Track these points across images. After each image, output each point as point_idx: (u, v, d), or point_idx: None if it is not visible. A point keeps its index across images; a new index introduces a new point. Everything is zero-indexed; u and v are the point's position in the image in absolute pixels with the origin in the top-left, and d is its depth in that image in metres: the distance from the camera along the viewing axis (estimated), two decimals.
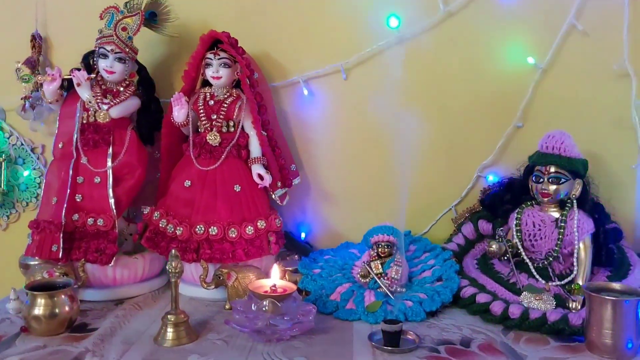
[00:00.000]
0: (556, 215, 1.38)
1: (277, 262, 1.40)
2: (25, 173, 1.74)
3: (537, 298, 1.29)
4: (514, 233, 1.41)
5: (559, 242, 1.36)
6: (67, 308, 1.22)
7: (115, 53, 1.47)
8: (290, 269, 1.47)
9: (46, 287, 1.24)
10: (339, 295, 1.37)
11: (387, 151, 1.60)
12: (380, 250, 1.42)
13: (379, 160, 1.62)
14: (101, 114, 1.47)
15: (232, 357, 1.12)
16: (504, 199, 1.47)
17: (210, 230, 1.41)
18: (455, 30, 1.57)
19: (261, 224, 1.45)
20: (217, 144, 1.47)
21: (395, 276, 1.36)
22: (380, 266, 1.39)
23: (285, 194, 1.56)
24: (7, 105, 1.71)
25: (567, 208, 1.38)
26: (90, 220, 1.42)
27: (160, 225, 1.46)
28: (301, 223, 1.68)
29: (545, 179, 1.38)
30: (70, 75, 1.47)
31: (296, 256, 1.55)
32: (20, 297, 1.32)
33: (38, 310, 1.20)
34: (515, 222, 1.41)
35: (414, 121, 1.52)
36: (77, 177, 1.45)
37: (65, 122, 1.50)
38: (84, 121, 1.48)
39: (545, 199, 1.38)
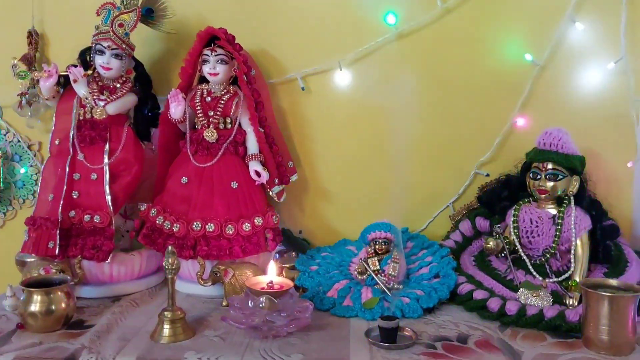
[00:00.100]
0: (553, 212, 1.39)
1: (274, 259, 1.40)
2: (22, 170, 1.74)
3: (534, 295, 1.29)
4: (511, 230, 1.41)
5: (556, 239, 1.36)
6: (63, 305, 1.22)
7: (112, 49, 1.47)
8: (287, 265, 1.47)
9: (42, 284, 1.24)
10: (336, 292, 1.37)
11: (384, 148, 1.60)
12: (377, 247, 1.42)
13: (376, 157, 1.62)
14: (98, 110, 1.47)
15: (229, 353, 1.11)
16: (501, 196, 1.47)
17: (207, 227, 1.41)
18: (453, 27, 1.57)
19: (258, 220, 1.44)
20: (214, 141, 1.47)
21: (393, 273, 1.36)
22: (377, 263, 1.39)
23: (282, 190, 1.56)
24: (4, 101, 1.70)
25: (564, 205, 1.38)
26: (86, 217, 1.42)
27: (157, 222, 1.46)
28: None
29: (543, 176, 1.38)
30: (66, 71, 1.46)
31: (293, 253, 1.55)
32: (17, 294, 1.31)
33: (34, 307, 1.20)
34: (512, 219, 1.41)
35: (411, 117, 1.52)
36: (74, 174, 1.45)
37: (62, 118, 1.50)
38: (81, 118, 1.48)
39: (543, 196, 1.38)
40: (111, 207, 1.43)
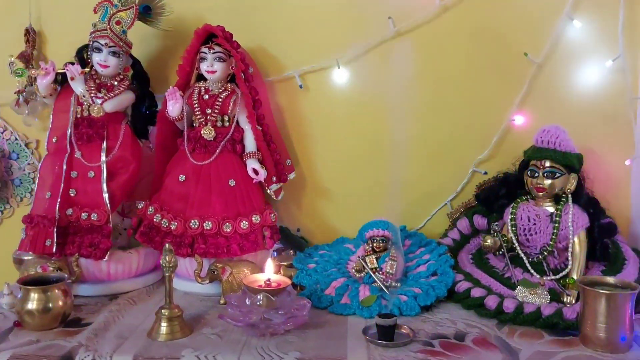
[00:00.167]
0: (551, 209, 1.39)
1: (272, 257, 1.39)
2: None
3: (532, 292, 1.29)
4: (509, 228, 1.41)
5: (553, 237, 1.36)
6: (60, 303, 1.22)
7: (110, 47, 1.47)
8: (285, 263, 1.47)
9: (40, 282, 1.24)
10: (333, 290, 1.36)
11: (382, 146, 1.60)
12: (375, 245, 1.42)
13: (374, 155, 1.62)
14: (95, 108, 1.46)
15: (226, 351, 1.11)
16: (499, 194, 1.47)
17: (204, 224, 1.41)
18: (451, 25, 1.57)
19: (256, 218, 1.44)
20: (212, 139, 1.46)
21: (390, 271, 1.36)
22: (375, 261, 1.39)
23: (280, 188, 1.56)
24: (1, 99, 1.69)
25: (562, 202, 1.38)
26: (84, 215, 1.42)
27: (155, 219, 1.46)
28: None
29: (540, 174, 1.38)
30: (64, 69, 1.46)
31: (291, 251, 1.55)
32: (14, 292, 1.31)
33: (31, 305, 1.20)
34: (510, 217, 1.41)
35: (409, 115, 1.52)
36: (71, 172, 1.45)
37: (59, 116, 1.50)
38: (78, 115, 1.48)
39: (540, 194, 1.38)
40: (108, 205, 1.43)
